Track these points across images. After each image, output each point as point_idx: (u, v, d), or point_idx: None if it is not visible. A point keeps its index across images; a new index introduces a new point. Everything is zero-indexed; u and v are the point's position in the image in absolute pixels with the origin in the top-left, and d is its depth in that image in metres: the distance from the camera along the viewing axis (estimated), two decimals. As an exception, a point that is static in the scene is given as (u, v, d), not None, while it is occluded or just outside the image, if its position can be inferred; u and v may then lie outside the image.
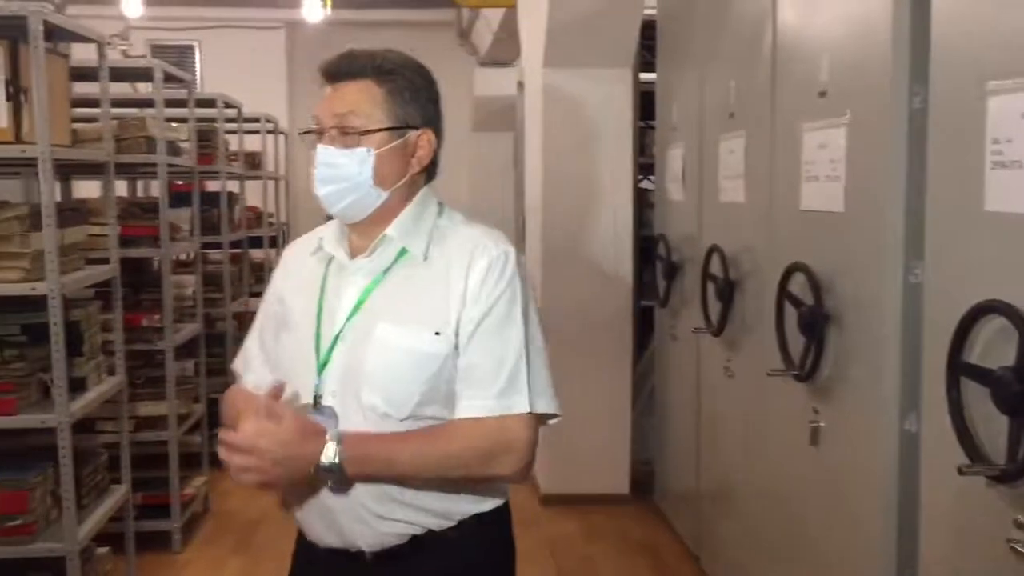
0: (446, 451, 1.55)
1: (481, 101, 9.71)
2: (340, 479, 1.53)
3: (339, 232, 1.68)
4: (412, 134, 1.62)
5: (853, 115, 2.49)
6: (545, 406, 1.61)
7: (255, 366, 1.75)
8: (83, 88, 3.69)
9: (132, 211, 4.30)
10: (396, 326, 1.57)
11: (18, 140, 2.88)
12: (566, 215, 4.87)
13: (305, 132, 1.62)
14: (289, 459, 1.50)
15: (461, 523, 1.63)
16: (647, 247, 4.93)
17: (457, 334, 1.57)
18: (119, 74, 4.22)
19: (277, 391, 1.55)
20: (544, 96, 4.86)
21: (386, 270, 1.61)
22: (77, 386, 3.16)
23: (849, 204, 2.52)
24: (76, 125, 3.51)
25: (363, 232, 1.64)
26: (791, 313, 2.78)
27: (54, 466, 3.04)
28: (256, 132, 6.94)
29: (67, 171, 4.11)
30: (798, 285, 2.75)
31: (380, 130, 1.58)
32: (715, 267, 3.61)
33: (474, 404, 1.56)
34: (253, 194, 6.89)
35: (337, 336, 1.59)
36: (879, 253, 2.37)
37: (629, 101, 4.86)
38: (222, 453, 1.52)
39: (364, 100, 1.57)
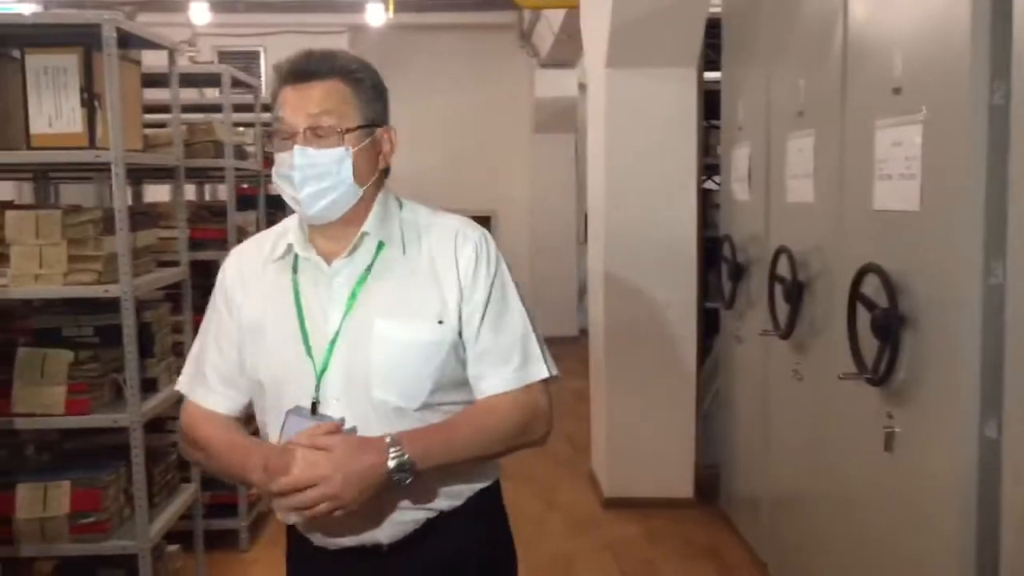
0: (490, 429, 1.63)
1: (542, 103, 9.72)
2: (411, 477, 1.54)
3: (301, 236, 1.64)
4: (378, 131, 1.64)
5: (929, 111, 2.42)
6: (552, 369, 1.70)
7: (214, 386, 1.70)
8: (152, 94, 3.76)
9: (201, 214, 4.38)
10: (395, 320, 1.59)
11: (92, 145, 2.94)
12: (629, 217, 4.83)
13: (276, 136, 1.59)
14: (355, 475, 1.49)
15: (468, 500, 1.68)
16: (711, 248, 4.87)
17: (460, 320, 1.62)
18: (188, 80, 4.30)
19: (330, 427, 1.55)
20: (607, 97, 4.83)
21: (368, 267, 1.62)
22: (148, 386, 3.22)
23: (925, 203, 2.45)
24: (147, 130, 3.58)
25: (333, 233, 1.63)
26: (863, 315, 2.71)
27: (126, 465, 3.10)
28: (320, 136, 7.00)
29: (138, 175, 4.20)
30: (871, 287, 2.68)
31: (355, 128, 1.59)
32: (783, 268, 3.55)
33: (500, 381, 1.64)
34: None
35: (334, 339, 1.59)
36: (957, 253, 2.30)
37: (693, 101, 4.80)
38: (282, 506, 1.52)
39: (336, 99, 1.57)
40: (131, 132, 3.12)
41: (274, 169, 1.60)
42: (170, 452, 3.57)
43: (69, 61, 2.91)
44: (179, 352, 3.61)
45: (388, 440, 1.53)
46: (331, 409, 1.58)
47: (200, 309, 3.78)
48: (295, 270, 1.64)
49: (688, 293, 4.84)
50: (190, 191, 5.38)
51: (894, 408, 2.63)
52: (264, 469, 1.53)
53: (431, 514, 1.64)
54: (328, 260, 1.62)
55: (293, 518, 1.61)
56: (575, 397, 7.14)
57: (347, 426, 1.57)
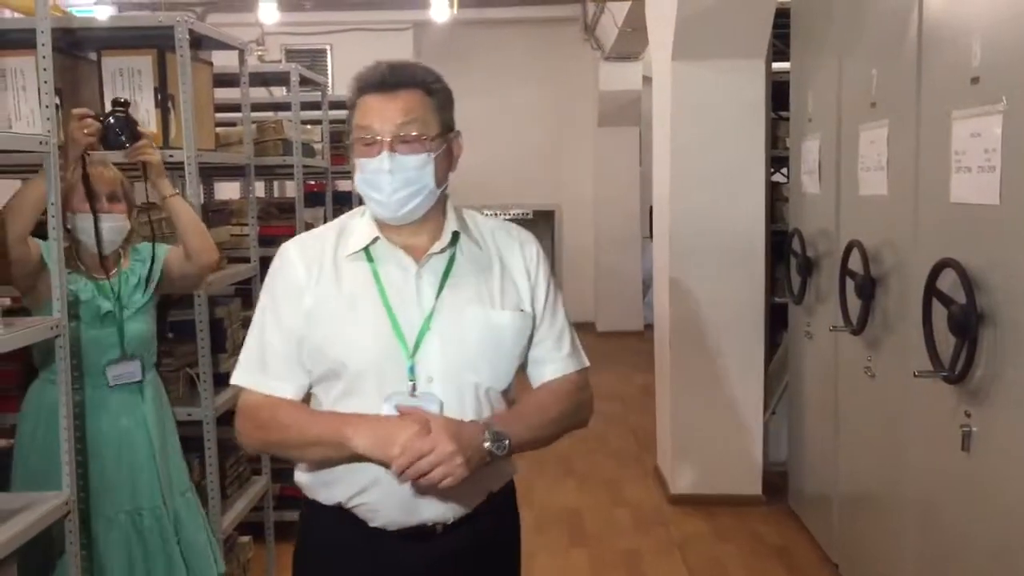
0: (558, 411, 1.79)
1: (606, 96, 9.66)
2: (507, 451, 1.65)
3: (370, 230, 1.73)
4: (451, 136, 1.75)
5: (1010, 102, 2.35)
6: (586, 360, 1.87)
7: (280, 373, 1.72)
8: (221, 93, 3.83)
9: (269, 211, 4.45)
10: (485, 307, 1.72)
11: (166, 145, 3.01)
12: (695, 210, 4.78)
13: (359, 142, 1.67)
14: (466, 443, 1.58)
15: (505, 486, 1.83)
16: (779, 242, 4.80)
17: (534, 309, 1.79)
18: (257, 79, 4.37)
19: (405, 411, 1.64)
20: (673, 90, 4.78)
21: (451, 259, 1.74)
22: (221, 380, 3.28)
23: (1005, 196, 2.38)
24: (217, 129, 3.64)
25: (410, 230, 1.73)
26: (939, 311, 2.64)
27: (200, 458, 3.17)
28: (385, 132, 7.05)
29: (210, 173, 4.28)
30: (948, 282, 2.62)
31: (436, 136, 1.69)
32: (854, 263, 3.48)
33: (558, 366, 1.81)
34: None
35: (427, 325, 1.68)
36: (1040, 248, 2.22)
37: (761, 93, 4.73)
38: (407, 476, 1.58)
39: (420, 108, 1.67)
40: (203, 131, 3.18)
41: (359, 175, 1.69)
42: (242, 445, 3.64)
43: (144, 63, 2.97)
44: (250, 347, 3.67)
45: (481, 423, 1.65)
46: (428, 390, 1.67)
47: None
48: (371, 260, 1.72)
49: (756, 288, 4.78)
50: (258, 188, 5.47)
51: (971, 407, 2.56)
52: (376, 438, 1.59)
53: (483, 495, 1.76)
54: (408, 253, 1.72)
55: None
56: (640, 392, 7.11)
57: (443, 406, 1.67)
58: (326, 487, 1.74)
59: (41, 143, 2.13)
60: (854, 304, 3.49)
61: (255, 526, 3.75)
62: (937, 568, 2.84)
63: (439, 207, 1.76)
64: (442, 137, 1.72)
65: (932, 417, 2.82)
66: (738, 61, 4.67)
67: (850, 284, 3.52)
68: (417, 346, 1.68)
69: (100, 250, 2.71)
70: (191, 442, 3.15)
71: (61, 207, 2.33)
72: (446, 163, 1.74)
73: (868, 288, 3.37)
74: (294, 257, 1.75)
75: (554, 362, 1.81)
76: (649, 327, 5.97)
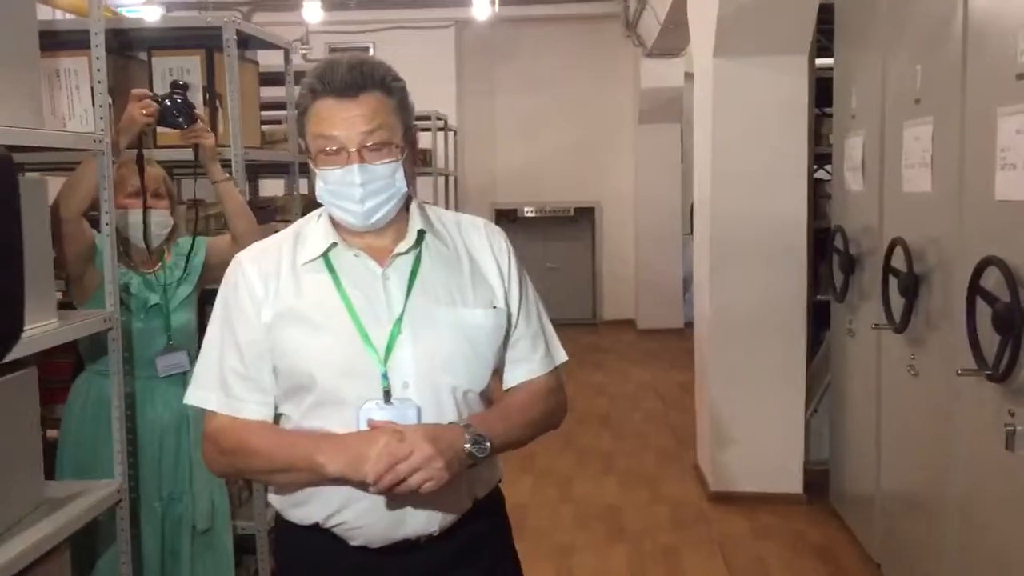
0: (538, 412, 1.73)
1: (647, 93, 9.64)
2: (487, 453, 1.58)
3: (337, 236, 1.64)
4: (412, 134, 1.68)
5: (1057, 97, 2.33)
6: (564, 354, 1.81)
7: (243, 395, 1.64)
8: (265, 91, 3.89)
9: (313, 208, 4.51)
10: (456, 307, 1.65)
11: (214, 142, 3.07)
12: (737, 207, 4.76)
13: (326, 151, 1.58)
14: (442, 443, 1.51)
15: (490, 493, 1.75)
16: (822, 239, 4.76)
17: (507, 305, 1.71)
18: (302, 77, 4.42)
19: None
20: (714, 87, 4.77)
21: (418, 258, 1.66)
22: (267, 374, 3.34)
23: (1052, 193, 2.35)
24: (263, 127, 3.71)
25: (373, 232, 1.64)
26: (984, 309, 2.62)
27: (246, 450, 3.22)
28: (427, 129, 7.13)
29: (255, 170, 4.35)
30: (992, 280, 2.59)
31: (402, 138, 1.62)
32: (898, 260, 3.45)
33: (534, 367, 1.75)
34: (424, 190, 7.09)
35: (397, 329, 1.60)
36: (1086, 246, 2.20)
37: (804, 89, 4.70)
38: (378, 485, 1.50)
39: (383, 113, 1.59)
40: (250, 129, 3.24)
41: (321, 185, 1.60)
42: (285, 438, 3.70)
43: (192, 63, 3.05)
44: (294, 341, 3.74)
45: (460, 425, 1.58)
46: (404, 396, 1.59)
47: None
48: (331, 267, 1.64)
49: (798, 285, 4.75)
50: (301, 185, 5.54)
51: (1016, 406, 2.54)
52: (347, 456, 1.52)
53: (469, 504, 1.68)
54: (371, 255, 1.64)
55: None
56: (680, 390, 7.09)
57: (420, 411, 1.60)
58: (299, 507, 1.65)
59: (96, 141, 2.19)
60: (897, 302, 3.47)
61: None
62: (980, 568, 2.81)
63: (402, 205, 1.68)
64: (406, 138, 1.63)
65: (975, 416, 2.80)
66: (780, 57, 4.64)
67: (893, 282, 3.50)
68: (389, 352, 1.60)
69: (148, 244, 2.78)
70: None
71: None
72: (411, 162, 1.66)
73: (911, 286, 3.34)
74: (248, 270, 1.65)
75: (530, 362, 1.75)
76: (689, 325, 5.95)
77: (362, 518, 1.61)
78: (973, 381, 2.72)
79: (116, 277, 2.34)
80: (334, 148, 1.58)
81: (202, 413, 1.69)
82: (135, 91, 2.71)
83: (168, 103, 2.74)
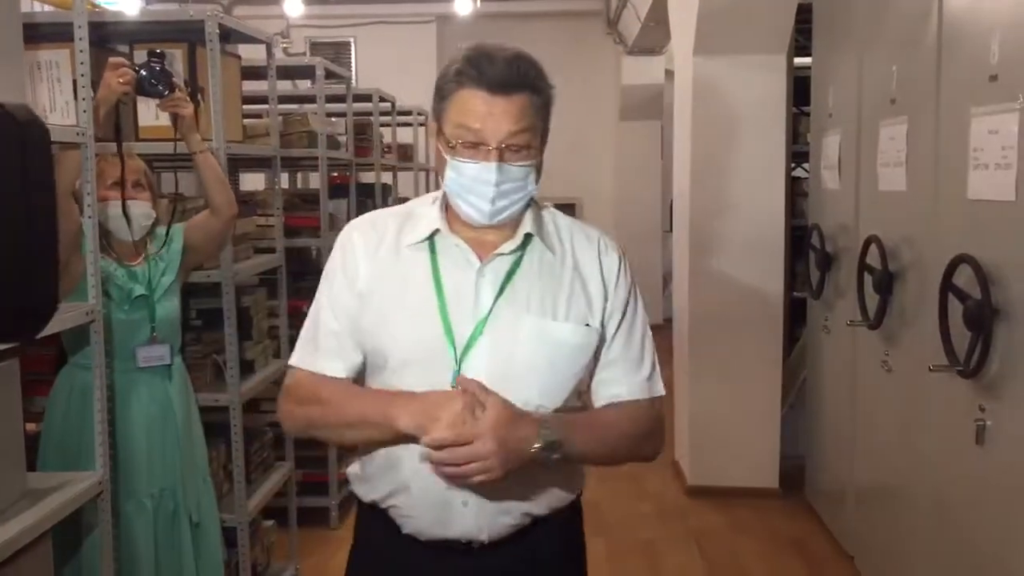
0: (623, 432, 1.63)
1: (628, 90, 9.68)
2: (557, 455, 1.51)
3: (444, 223, 1.61)
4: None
5: (1027, 99, 2.37)
6: (663, 389, 1.71)
7: (331, 352, 1.64)
8: (247, 85, 3.89)
9: (294, 202, 4.52)
10: (545, 319, 1.58)
11: (196, 136, 3.07)
12: (716, 205, 4.81)
13: (466, 143, 1.53)
14: (509, 441, 1.46)
15: (558, 510, 1.66)
16: (799, 237, 4.82)
17: (603, 325, 1.63)
18: (283, 72, 4.43)
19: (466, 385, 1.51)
20: (694, 85, 4.81)
21: (518, 262, 1.61)
22: (247, 368, 3.36)
23: (1022, 193, 2.40)
24: (244, 121, 3.71)
25: (485, 227, 1.60)
26: (955, 306, 2.67)
27: (226, 443, 3.24)
28: (409, 125, 7.13)
29: (236, 165, 4.35)
30: (964, 277, 2.64)
31: (542, 142, 1.58)
32: (873, 258, 3.50)
33: (632, 388, 1.65)
34: (405, 185, 7.10)
35: (480, 329, 1.56)
36: (1055, 244, 2.25)
37: (783, 88, 4.75)
38: (432, 457, 1.47)
39: (531, 116, 1.54)
40: (232, 123, 3.24)
41: (453, 176, 1.55)
42: (266, 432, 3.71)
43: (175, 56, 3.04)
44: (274, 335, 3.75)
45: (540, 417, 1.52)
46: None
47: (291, 294, 3.96)
48: (433, 252, 1.61)
49: (775, 282, 4.80)
50: (283, 179, 5.54)
51: (986, 401, 2.59)
52: (422, 413, 1.49)
53: (527, 520, 1.62)
54: (473, 248, 1.60)
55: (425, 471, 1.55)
56: (659, 385, 7.15)
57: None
58: (364, 482, 1.67)
59: (78, 134, 2.20)
60: (872, 299, 3.52)
61: (279, 511, 3.82)
62: (951, 560, 2.87)
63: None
64: (544, 140, 1.59)
65: (947, 411, 2.85)
66: (760, 56, 4.69)
67: (868, 279, 3.55)
68: (467, 350, 1.55)
69: (132, 235, 2.78)
70: (217, 428, 3.23)
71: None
72: (541, 165, 1.61)
73: (886, 283, 3.39)
74: (355, 238, 1.65)
75: (628, 385, 1.65)
76: (669, 321, 5.99)
77: (413, 507, 1.60)
78: (945, 377, 2.77)
79: (98, 269, 2.34)
80: (475, 141, 1.52)
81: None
82: (112, 59, 2.65)
83: (146, 72, 2.67)
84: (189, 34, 3.07)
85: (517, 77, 1.52)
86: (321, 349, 1.65)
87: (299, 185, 6.40)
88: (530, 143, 1.54)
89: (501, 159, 1.52)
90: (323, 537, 4.36)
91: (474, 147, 1.53)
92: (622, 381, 1.65)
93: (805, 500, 4.72)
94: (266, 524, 3.71)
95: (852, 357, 3.93)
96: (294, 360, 1.68)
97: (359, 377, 1.67)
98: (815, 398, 4.63)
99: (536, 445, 1.48)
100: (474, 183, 1.54)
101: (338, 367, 1.64)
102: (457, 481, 1.50)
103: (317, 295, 1.69)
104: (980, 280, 2.53)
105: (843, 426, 4.07)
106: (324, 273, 1.69)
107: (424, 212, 1.64)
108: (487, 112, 1.51)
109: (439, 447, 1.45)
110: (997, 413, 2.55)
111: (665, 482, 5.15)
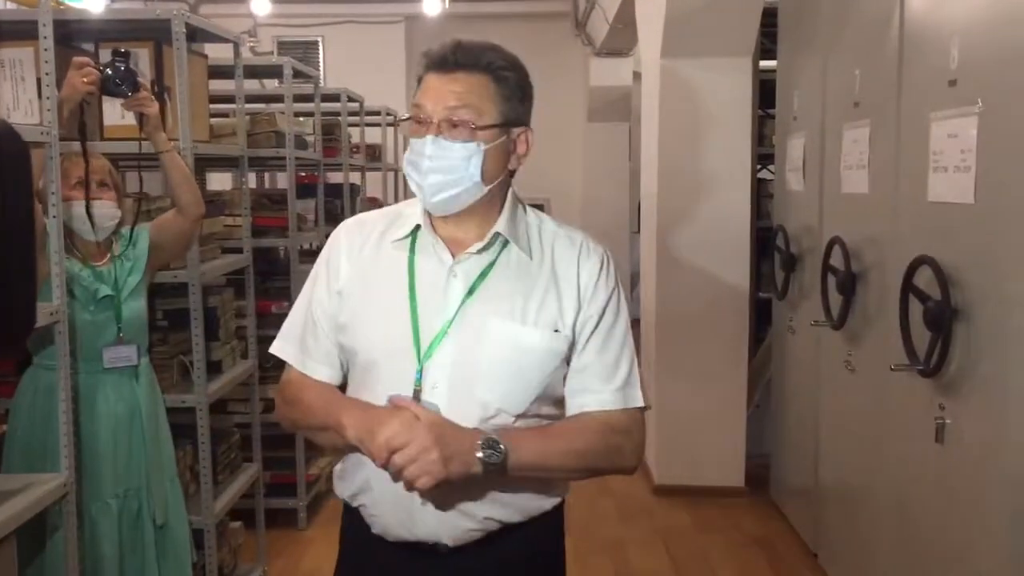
0: (585, 445, 1.58)
1: (596, 91, 9.72)
2: (500, 465, 1.49)
3: (426, 220, 1.63)
4: (515, 131, 1.61)
5: (985, 104, 2.42)
6: (646, 400, 1.67)
7: (312, 353, 1.68)
8: (214, 84, 3.87)
9: (261, 202, 4.50)
10: (512, 323, 1.56)
11: (162, 136, 3.05)
12: (682, 205, 4.85)
13: (408, 120, 1.58)
14: (450, 445, 1.45)
15: (534, 517, 1.65)
16: (764, 238, 4.87)
17: (574, 331, 1.60)
18: (250, 71, 4.41)
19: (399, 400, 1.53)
20: (661, 87, 4.85)
21: (491, 264, 1.60)
22: (214, 368, 3.34)
23: (980, 196, 2.45)
24: (211, 120, 3.69)
25: (457, 222, 1.61)
26: (916, 307, 2.72)
27: (193, 444, 3.22)
28: (377, 125, 7.11)
29: (202, 164, 4.32)
30: (924, 278, 2.69)
31: (491, 126, 1.56)
32: (836, 259, 3.55)
33: (601, 398, 1.61)
34: (373, 185, 7.08)
35: (444, 330, 1.56)
36: (1011, 246, 2.30)
37: (748, 91, 4.80)
38: (379, 465, 1.48)
39: (478, 95, 1.55)
40: (199, 123, 3.23)
41: (406, 153, 1.59)
42: (233, 432, 3.70)
43: (141, 55, 3.02)
44: (242, 336, 3.73)
45: (481, 430, 1.51)
46: (431, 399, 1.55)
47: (258, 294, 3.94)
48: (412, 250, 1.63)
49: (741, 283, 4.85)
50: (250, 179, 5.51)
51: (945, 400, 2.64)
52: (363, 428, 1.50)
53: (494, 525, 1.60)
54: (450, 248, 1.61)
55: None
56: (626, 385, 7.18)
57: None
58: (341, 480, 1.69)
59: (43, 133, 2.18)
60: (835, 299, 3.57)
61: (246, 513, 3.81)
62: (912, 556, 2.92)
63: (494, 204, 1.62)
64: (500, 129, 1.57)
65: (908, 410, 2.90)
66: (726, 59, 4.74)
67: (832, 280, 3.60)
68: (430, 351, 1.55)
69: (96, 235, 2.76)
70: (184, 429, 3.21)
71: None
72: (501, 158, 1.59)
73: (849, 284, 3.44)
74: (342, 236, 1.69)
75: (595, 394, 1.60)
76: (637, 321, 6.03)
77: (377, 506, 1.61)
78: (906, 376, 2.82)
79: (63, 270, 2.32)
80: (421, 117, 1.56)
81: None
82: (76, 59, 2.63)
83: (110, 71, 2.65)
84: (155, 33, 3.05)
85: (465, 56, 1.56)
86: (309, 350, 1.68)
87: (266, 185, 6.37)
88: (471, 121, 1.54)
89: (439, 133, 1.54)
90: (291, 538, 4.34)
91: (420, 123, 1.57)
92: (592, 390, 1.61)
93: (770, 499, 4.78)
94: (233, 525, 3.70)
95: (816, 357, 3.99)
96: (279, 351, 1.72)
97: (340, 374, 1.69)
98: (780, 398, 4.69)
99: (478, 454, 1.46)
100: (415, 157, 1.57)
101: (323, 371, 1.68)
102: (407, 486, 1.48)
103: (305, 287, 1.72)
104: (940, 281, 2.58)
105: (807, 425, 4.13)
106: (312, 270, 1.72)
107: (411, 211, 1.66)
108: (431, 88, 1.56)
109: (382, 460, 1.47)
110: (956, 411, 2.60)
111: (631, 481, 5.17)
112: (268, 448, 4.01)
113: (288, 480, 4.43)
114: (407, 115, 1.61)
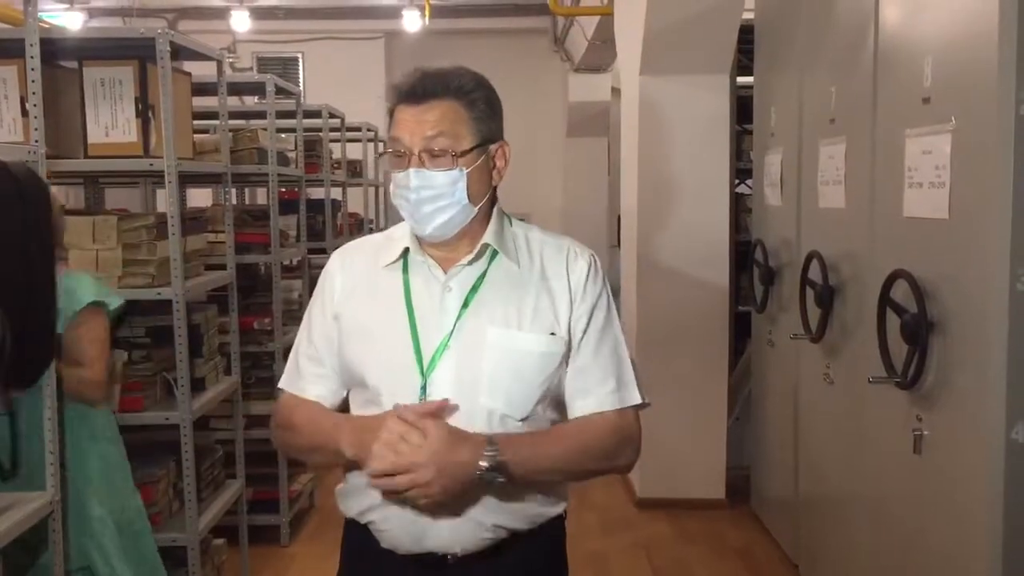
0: (584, 447, 1.64)
1: (575, 107, 9.79)
2: (501, 478, 1.54)
3: (415, 242, 1.67)
4: (492, 148, 1.65)
5: (958, 122, 2.48)
6: (644, 397, 1.71)
7: (308, 376, 1.72)
8: (196, 101, 3.87)
9: (244, 219, 4.50)
10: (509, 330, 1.61)
11: (147, 154, 3.07)
12: (662, 220, 4.89)
13: (391, 154, 1.62)
14: (448, 467, 1.49)
15: (540, 525, 1.69)
16: (743, 252, 4.92)
17: (570, 332, 1.65)
18: (232, 88, 4.42)
19: (424, 408, 1.56)
20: (640, 104, 4.90)
21: (482, 275, 1.65)
22: (197, 385, 3.34)
23: (954, 211, 2.50)
24: (194, 136, 3.70)
25: (446, 243, 1.66)
26: (893, 320, 2.76)
27: (176, 461, 3.22)
28: (358, 141, 7.13)
29: (185, 181, 4.32)
30: (901, 292, 2.74)
31: (470, 150, 1.61)
32: (814, 273, 3.60)
33: (596, 400, 1.66)
34: (355, 201, 7.09)
35: (445, 343, 1.60)
36: (985, 260, 2.35)
37: (726, 107, 4.87)
38: (375, 484, 1.53)
39: (451, 121, 1.59)
40: (182, 141, 3.24)
41: (391, 187, 1.63)
42: (216, 449, 3.69)
43: (125, 73, 3.03)
44: (225, 352, 3.73)
45: (485, 438, 1.54)
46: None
47: (241, 311, 3.93)
48: (406, 271, 1.67)
49: (720, 297, 4.90)
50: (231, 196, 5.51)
51: (923, 411, 2.69)
52: (354, 445, 1.56)
53: (503, 533, 1.64)
54: (441, 265, 1.66)
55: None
56: (607, 399, 7.21)
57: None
58: (345, 497, 1.72)
59: (29, 152, 2.19)
60: (814, 313, 3.62)
61: (229, 529, 3.80)
62: (891, 567, 2.96)
63: (482, 220, 1.67)
64: (479, 149, 1.62)
65: (886, 422, 2.95)
66: (704, 76, 4.80)
67: (810, 294, 3.65)
68: (432, 366, 1.60)
69: None
70: (168, 446, 3.21)
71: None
72: (484, 177, 1.65)
73: (827, 297, 3.49)
74: (335, 264, 1.74)
75: (591, 396, 1.65)
76: (616, 334, 6.05)
77: (388, 522, 1.63)
78: (883, 388, 2.86)
79: None
80: (400, 151, 1.60)
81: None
82: None
83: None
84: (138, 51, 3.06)
85: (432, 84, 1.59)
86: (301, 371, 1.74)
87: (247, 201, 6.37)
88: (450, 148, 1.59)
89: (421, 164, 1.59)
90: (274, 555, 4.33)
91: (401, 157, 1.61)
92: (589, 392, 1.66)
93: (751, 510, 4.81)
94: (217, 542, 3.69)
95: (795, 370, 4.03)
96: (281, 382, 1.77)
97: (341, 403, 1.72)
98: (760, 410, 4.73)
99: (482, 465, 1.51)
100: (402, 191, 1.60)
101: (315, 390, 1.72)
102: (411, 504, 1.54)
103: (304, 318, 1.77)
104: (916, 295, 2.63)
105: (787, 437, 4.17)
106: (309, 302, 1.78)
107: (400, 234, 1.70)
108: (406, 120, 1.60)
109: (380, 475, 1.52)
110: (933, 423, 2.64)
111: (613, 494, 5.20)
112: (251, 465, 4.01)
113: (271, 496, 4.42)
114: (385, 149, 1.66)
